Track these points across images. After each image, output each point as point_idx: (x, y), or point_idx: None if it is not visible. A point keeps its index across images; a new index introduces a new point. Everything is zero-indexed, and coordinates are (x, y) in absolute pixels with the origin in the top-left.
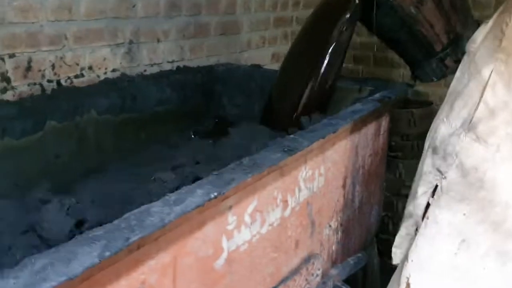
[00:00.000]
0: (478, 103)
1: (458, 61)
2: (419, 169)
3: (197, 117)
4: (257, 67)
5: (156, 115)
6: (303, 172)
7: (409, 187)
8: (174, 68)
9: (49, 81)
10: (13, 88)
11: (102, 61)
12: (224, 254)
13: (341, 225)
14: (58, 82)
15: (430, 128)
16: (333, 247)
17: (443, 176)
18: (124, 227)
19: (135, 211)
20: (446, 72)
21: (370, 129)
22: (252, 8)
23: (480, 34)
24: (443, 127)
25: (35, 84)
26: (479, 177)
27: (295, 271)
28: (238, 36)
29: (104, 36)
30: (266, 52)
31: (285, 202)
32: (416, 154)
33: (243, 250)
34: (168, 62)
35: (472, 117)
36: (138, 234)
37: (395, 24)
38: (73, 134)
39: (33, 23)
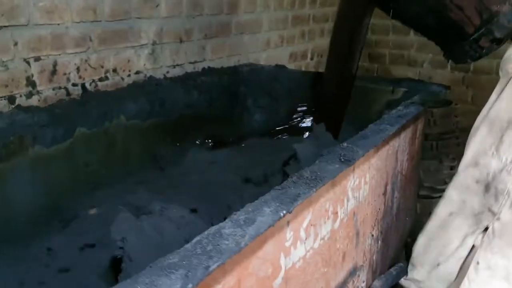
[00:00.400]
0: None
1: (494, 40)
2: (463, 207)
3: (222, 120)
4: (281, 67)
5: (182, 119)
6: (352, 181)
7: (429, 188)
8: (196, 69)
9: (74, 84)
10: (38, 92)
11: (126, 63)
12: (282, 273)
13: (381, 233)
14: (83, 86)
15: (467, 158)
16: (374, 257)
17: (496, 217)
18: (200, 253)
19: (206, 233)
20: (482, 53)
21: (408, 133)
22: (271, 6)
23: None
24: (493, 162)
25: (60, 88)
26: None
27: (342, 285)
28: (258, 36)
29: (128, 37)
30: (285, 51)
31: (335, 214)
32: (435, 154)
33: (298, 267)
34: (190, 63)
35: None
36: (217, 261)
37: (420, 11)
38: (102, 140)
39: (58, 24)
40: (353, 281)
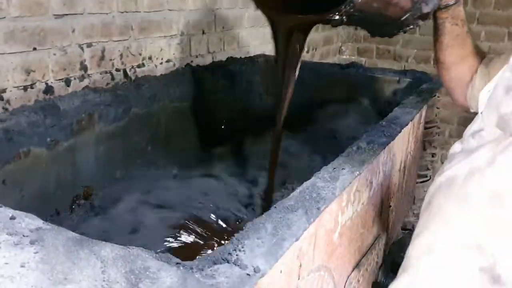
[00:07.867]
0: None
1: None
2: None
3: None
4: None
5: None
6: (383, 156)
7: None
8: (214, 59)
9: (117, 70)
10: (89, 76)
11: (159, 51)
12: (338, 228)
13: (395, 206)
14: (124, 71)
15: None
16: (390, 226)
17: None
18: (308, 198)
19: (304, 186)
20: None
21: (416, 118)
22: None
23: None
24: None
25: (106, 72)
26: None
27: (372, 247)
28: (261, 29)
29: (161, 28)
30: None
31: (370, 183)
32: None
33: (347, 225)
34: (209, 52)
35: None
36: (323, 204)
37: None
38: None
39: (107, 14)
40: (378, 244)
